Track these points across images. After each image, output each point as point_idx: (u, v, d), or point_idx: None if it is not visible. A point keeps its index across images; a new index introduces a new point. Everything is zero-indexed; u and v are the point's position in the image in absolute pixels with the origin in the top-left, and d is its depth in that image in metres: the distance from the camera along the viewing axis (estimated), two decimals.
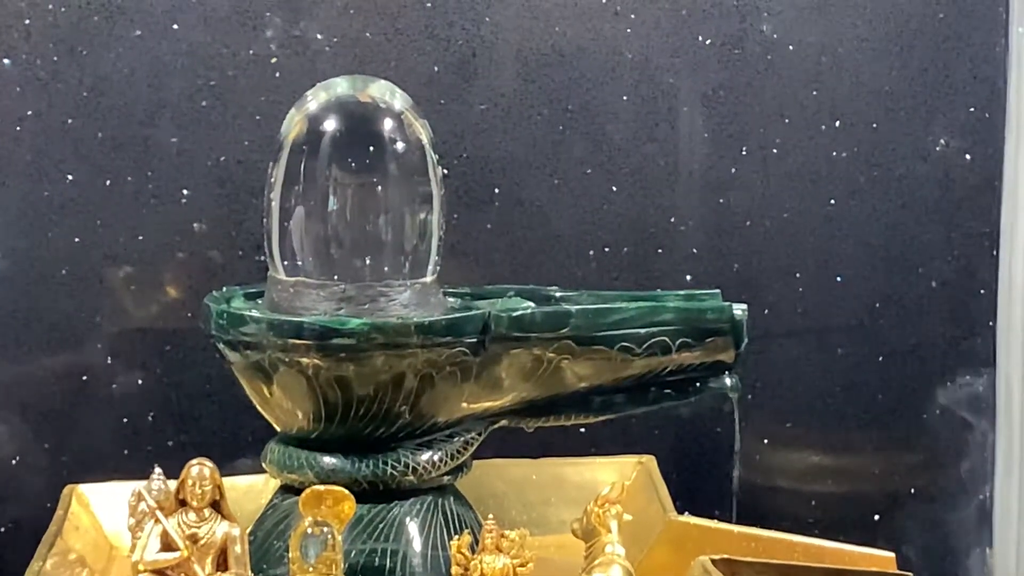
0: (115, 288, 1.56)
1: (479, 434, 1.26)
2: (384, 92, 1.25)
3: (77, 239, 1.54)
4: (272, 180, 1.21)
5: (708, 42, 1.64)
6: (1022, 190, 1.71)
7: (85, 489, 1.36)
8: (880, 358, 1.71)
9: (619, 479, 1.30)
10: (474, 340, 1.18)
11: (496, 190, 1.61)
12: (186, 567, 1.12)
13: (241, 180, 1.55)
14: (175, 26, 1.53)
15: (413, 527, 1.21)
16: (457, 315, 1.19)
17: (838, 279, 1.69)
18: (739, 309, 1.26)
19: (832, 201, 1.68)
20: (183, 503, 1.15)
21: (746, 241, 1.67)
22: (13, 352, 1.54)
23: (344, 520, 1.11)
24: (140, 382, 1.56)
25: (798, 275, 1.68)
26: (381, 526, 1.20)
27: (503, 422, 1.28)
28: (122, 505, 1.25)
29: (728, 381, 1.28)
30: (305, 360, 1.16)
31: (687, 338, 1.25)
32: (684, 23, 1.63)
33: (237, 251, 1.56)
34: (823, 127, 1.67)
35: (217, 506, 1.15)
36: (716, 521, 1.31)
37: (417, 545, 1.20)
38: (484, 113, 1.60)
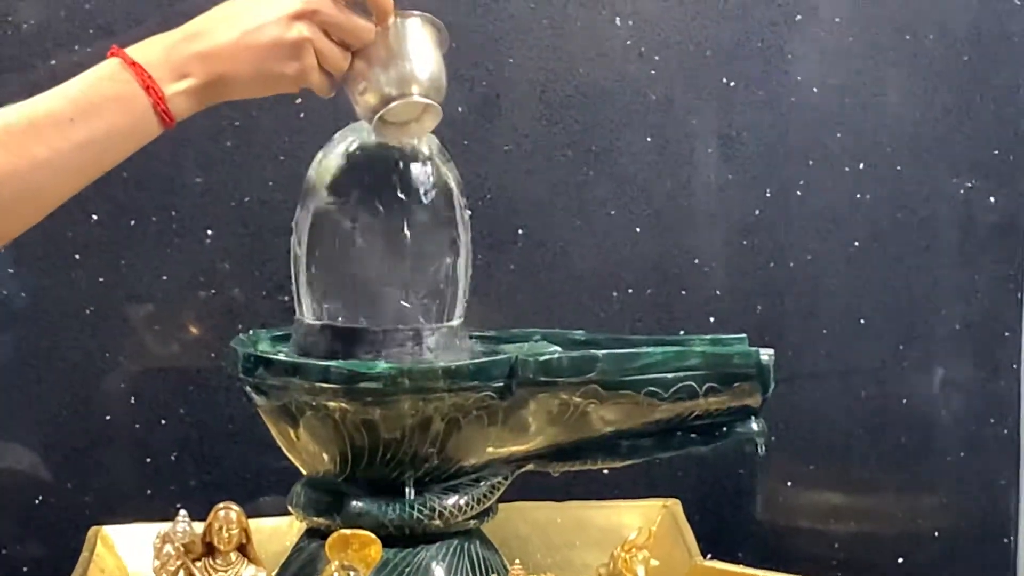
0: (138, 328, 1.55)
1: (505, 478, 1.25)
2: None
3: (101, 279, 1.54)
4: (299, 224, 1.21)
5: (732, 84, 1.64)
6: None
7: (110, 531, 1.35)
8: (904, 400, 1.71)
9: (644, 523, 1.30)
10: (501, 384, 1.17)
11: (520, 231, 1.61)
12: None
13: (265, 220, 1.55)
14: None
15: (440, 571, 1.20)
16: (484, 359, 1.19)
17: (861, 321, 1.69)
18: (766, 354, 1.25)
19: (856, 243, 1.68)
20: (210, 547, 1.15)
21: (769, 283, 1.67)
22: (36, 391, 1.54)
23: (371, 564, 1.11)
24: (163, 422, 1.56)
25: (821, 317, 1.68)
26: (408, 570, 1.19)
27: (529, 466, 1.27)
28: (147, 547, 1.25)
29: (755, 426, 1.27)
30: (332, 404, 1.16)
31: (714, 383, 1.24)
32: (708, 65, 1.64)
33: (260, 291, 1.56)
34: (846, 169, 1.67)
35: (244, 550, 1.15)
36: (741, 566, 1.31)
37: None
38: (508, 154, 1.60)
